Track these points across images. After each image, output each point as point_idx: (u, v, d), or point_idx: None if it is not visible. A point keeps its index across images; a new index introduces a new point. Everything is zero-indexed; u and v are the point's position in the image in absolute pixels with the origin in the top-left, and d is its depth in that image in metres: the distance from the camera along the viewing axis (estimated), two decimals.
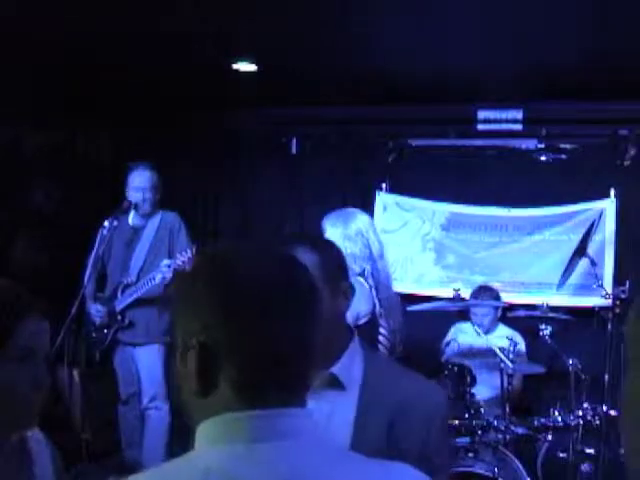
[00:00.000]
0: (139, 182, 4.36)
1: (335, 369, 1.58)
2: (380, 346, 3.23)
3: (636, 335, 1.02)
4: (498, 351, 3.93)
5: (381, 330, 3.20)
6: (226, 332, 0.97)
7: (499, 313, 4.63)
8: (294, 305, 1.01)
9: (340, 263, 1.66)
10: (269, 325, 0.98)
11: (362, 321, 3.09)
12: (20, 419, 1.47)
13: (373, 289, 3.20)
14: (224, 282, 1.00)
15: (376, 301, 3.19)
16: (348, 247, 3.20)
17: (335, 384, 1.58)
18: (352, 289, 1.63)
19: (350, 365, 1.59)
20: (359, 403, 1.56)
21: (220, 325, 0.98)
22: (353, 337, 1.64)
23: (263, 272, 1.02)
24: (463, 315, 4.72)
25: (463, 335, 4.62)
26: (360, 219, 3.36)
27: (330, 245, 1.71)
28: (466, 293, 4.50)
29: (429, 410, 1.56)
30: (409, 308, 4.54)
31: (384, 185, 5.44)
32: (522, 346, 4.49)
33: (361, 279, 3.15)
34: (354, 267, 3.13)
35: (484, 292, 4.63)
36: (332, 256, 1.64)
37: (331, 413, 1.54)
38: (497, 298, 4.65)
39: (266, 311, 0.98)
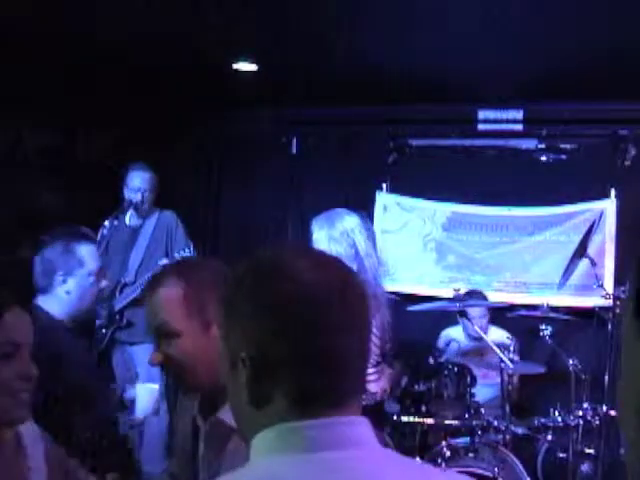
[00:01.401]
0: (138, 183, 4.39)
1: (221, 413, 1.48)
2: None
3: (628, 337, 1.03)
4: (498, 351, 3.93)
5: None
6: (278, 346, 0.94)
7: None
8: (348, 314, 0.97)
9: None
10: (323, 337, 0.95)
11: None
12: (11, 413, 1.48)
13: None
14: (272, 294, 0.96)
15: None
16: (333, 248, 3.23)
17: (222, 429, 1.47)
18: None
19: None
20: None
21: (270, 339, 0.94)
22: None
23: (314, 281, 0.96)
24: (454, 319, 4.70)
25: (454, 343, 4.61)
26: (347, 220, 3.38)
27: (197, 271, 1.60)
28: None
29: None
30: (409, 308, 4.54)
31: (384, 185, 5.43)
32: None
33: None
34: None
35: (475, 296, 4.62)
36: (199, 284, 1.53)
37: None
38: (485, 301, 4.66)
39: (319, 322, 0.95)
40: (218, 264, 1.60)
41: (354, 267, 3.23)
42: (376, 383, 3.34)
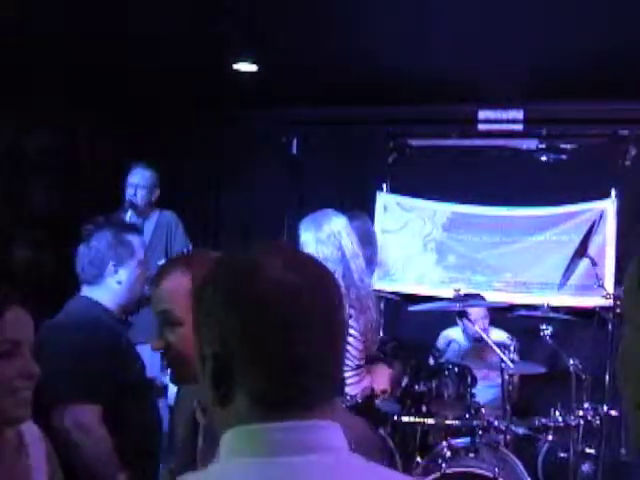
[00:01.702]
0: (136, 179, 4.44)
1: None
2: (349, 347, 3.23)
3: (631, 289, 1.03)
4: (498, 351, 3.93)
5: (351, 332, 3.20)
6: (241, 345, 0.93)
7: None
8: (316, 316, 0.95)
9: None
10: (286, 338, 0.93)
11: None
12: (12, 412, 1.47)
13: (345, 292, 3.21)
14: (239, 293, 0.94)
15: (345, 304, 3.20)
16: (320, 250, 3.23)
17: None
18: None
19: None
20: None
21: (235, 337, 0.93)
22: None
23: (281, 281, 0.94)
24: (454, 319, 4.70)
25: (454, 343, 4.61)
26: (334, 221, 3.37)
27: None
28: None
29: None
30: (410, 308, 4.54)
31: (385, 185, 5.43)
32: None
33: None
34: None
35: (473, 298, 4.62)
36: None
37: None
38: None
39: (282, 323, 0.93)
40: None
41: (339, 270, 3.23)
42: (357, 385, 3.33)
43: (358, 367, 3.34)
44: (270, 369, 0.92)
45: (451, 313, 4.57)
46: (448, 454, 3.52)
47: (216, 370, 0.94)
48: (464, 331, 4.64)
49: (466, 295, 4.51)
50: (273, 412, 0.92)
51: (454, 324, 4.75)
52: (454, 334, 4.71)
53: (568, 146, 5.05)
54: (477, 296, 4.65)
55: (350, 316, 3.19)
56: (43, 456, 1.60)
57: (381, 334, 4.94)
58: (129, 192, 4.41)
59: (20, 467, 1.54)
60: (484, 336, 4.13)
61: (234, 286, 0.95)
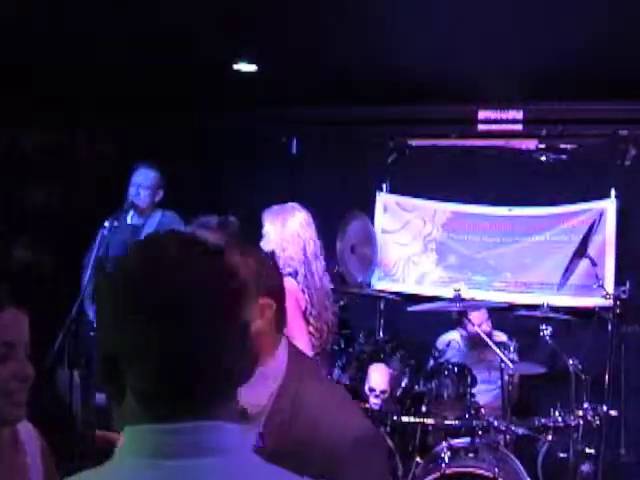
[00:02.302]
0: (136, 179, 4.41)
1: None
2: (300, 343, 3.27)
3: None
4: (498, 351, 3.93)
5: (310, 329, 3.22)
6: (122, 344, 0.91)
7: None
8: (202, 317, 0.91)
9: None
10: (160, 335, 0.90)
11: None
12: (6, 413, 1.48)
13: (306, 291, 3.21)
14: (118, 292, 0.93)
15: (307, 302, 3.21)
16: (285, 248, 3.25)
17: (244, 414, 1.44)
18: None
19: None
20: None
21: (115, 336, 0.92)
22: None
23: (157, 282, 0.92)
24: (453, 320, 4.70)
25: (454, 342, 4.60)
26: (297, 216, 3.37)
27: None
28: (467, 294, 4.48)
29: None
30: (410, 308, 4.55)
31: (384, 185, 5.43)
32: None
33: (292, 280, 3.18)
34: (287, 268, 3.18)
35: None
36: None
37: None
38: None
39: (159, 324, 0.90)
40: (262, 254, 1.61)
41: (302, 270, 3.24)
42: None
43: None
44: (146, 368, 0.91)
45: (451, 314, 4.58)
46: (448, 454, 3.52)
47: (105, 369, 0.93)
48: (464, 330, 4.64)
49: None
50: (161, 412, 0.90)
51: (454, 325, 4.75)
52: (455, 335, 4.71)
53: (568, 146, 5.05)
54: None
55: (310, 314, 3.21)
56: (39, 454, 1.60)
57: (381, 334, 4.96)
58: (132, 192, 4.39)
59: (17, 465, 1.54)
60: (484, 336, 4.14)
61: (116, 285, 0.94)
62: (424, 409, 3.80)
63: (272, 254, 1.69)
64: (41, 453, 1.62)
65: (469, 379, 3.85)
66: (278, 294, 1.56)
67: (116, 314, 0.92)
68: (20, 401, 1.48)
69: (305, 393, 1.47)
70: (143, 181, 4.39)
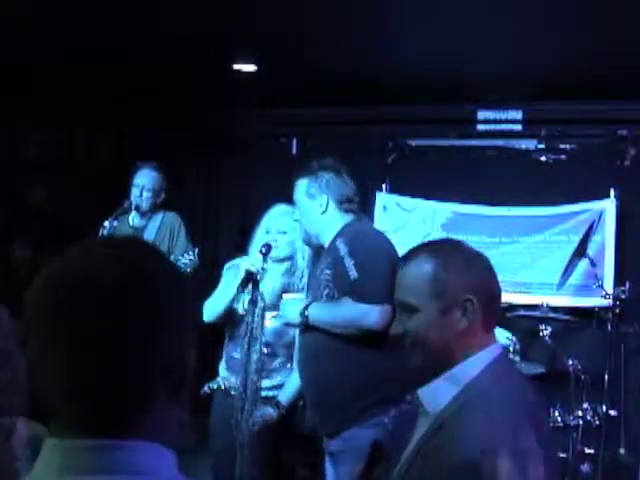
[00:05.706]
0: (139, 180, 4.34)
1: (422, 390, 1.54)
2: None
3: None
4: None
5: None
6: (30, 355, 0.88)
7: None
8: (101, 328, 0.83)
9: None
10: (58, 351, 0.84)
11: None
12: (5, 411, 1.48)
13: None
14: (28, 299, 0.88)
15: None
16: (299, 248, 3.35)
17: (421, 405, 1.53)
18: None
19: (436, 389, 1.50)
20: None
21: (29, 347, 0.88)
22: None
23: (57, 289, 0.87)
24: None
25: None
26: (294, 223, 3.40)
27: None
28: None
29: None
30: None
31: (384, 185, 5.43)
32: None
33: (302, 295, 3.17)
34: (298, 282, 3.25)
35: None
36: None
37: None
38: None
39: (58, 334, 0.84)
40: (473, 253, 1.58)
41: (306, 275, 3.26)
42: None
43: None
44: (41, 386, 0.87)
45: None
46: None
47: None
48: None
49: None
50: (62, 428, 0.86)
51: None
52: None
53: (567, 146, 5.05)
54: None
55: None
56: (26, 448, 1.61)
57: None
58: (134, 193, 4.32)
59: (8, 461, 1.55)
60: None
61: (30, 292, 0.89)
62: None
63: None
64: (32, 448, 1.62)
65: None
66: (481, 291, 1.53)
67: (26, 338, 0.89)
68: (16, 408, 1.49)
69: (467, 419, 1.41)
70: (146, 183, 4.32)
